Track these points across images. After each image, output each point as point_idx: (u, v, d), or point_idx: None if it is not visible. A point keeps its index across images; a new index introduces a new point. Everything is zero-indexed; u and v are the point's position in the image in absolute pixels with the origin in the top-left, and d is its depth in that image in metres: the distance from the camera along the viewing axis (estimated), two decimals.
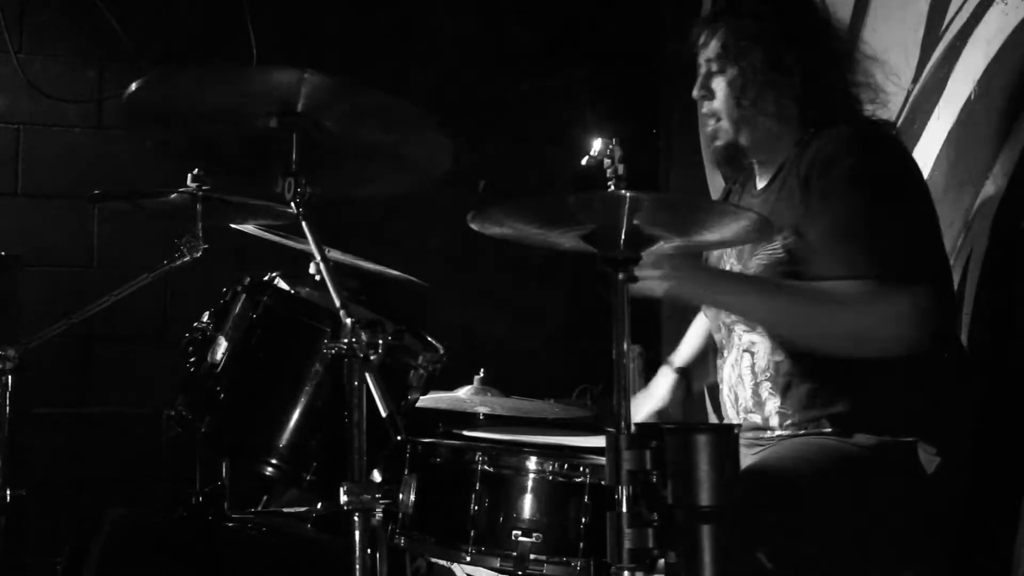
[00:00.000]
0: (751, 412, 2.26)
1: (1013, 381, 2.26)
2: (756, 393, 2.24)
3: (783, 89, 2.19)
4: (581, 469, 2.06)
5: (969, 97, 2.48)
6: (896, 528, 2.09)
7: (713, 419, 3.65)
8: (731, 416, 2.34)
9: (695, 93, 2.32)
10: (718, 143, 2.29)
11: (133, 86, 2.03)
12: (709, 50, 2.27)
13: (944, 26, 2.57)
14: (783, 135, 2.24)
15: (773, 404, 2.21)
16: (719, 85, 2.26)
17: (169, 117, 2.13)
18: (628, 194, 1.63)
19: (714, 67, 2.26)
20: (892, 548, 2.09)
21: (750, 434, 2.27)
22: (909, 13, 2.52)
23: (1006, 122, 2.35)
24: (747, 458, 2.26)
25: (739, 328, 2.28)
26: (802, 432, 2.16)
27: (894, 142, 2.24)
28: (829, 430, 2.13)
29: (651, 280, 1.95)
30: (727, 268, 2.32)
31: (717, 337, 2.39)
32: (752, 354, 2.25)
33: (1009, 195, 2.34)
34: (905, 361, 2.06)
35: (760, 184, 2.34)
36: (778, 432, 2.21)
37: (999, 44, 2.41)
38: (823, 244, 2.08)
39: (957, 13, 2.54)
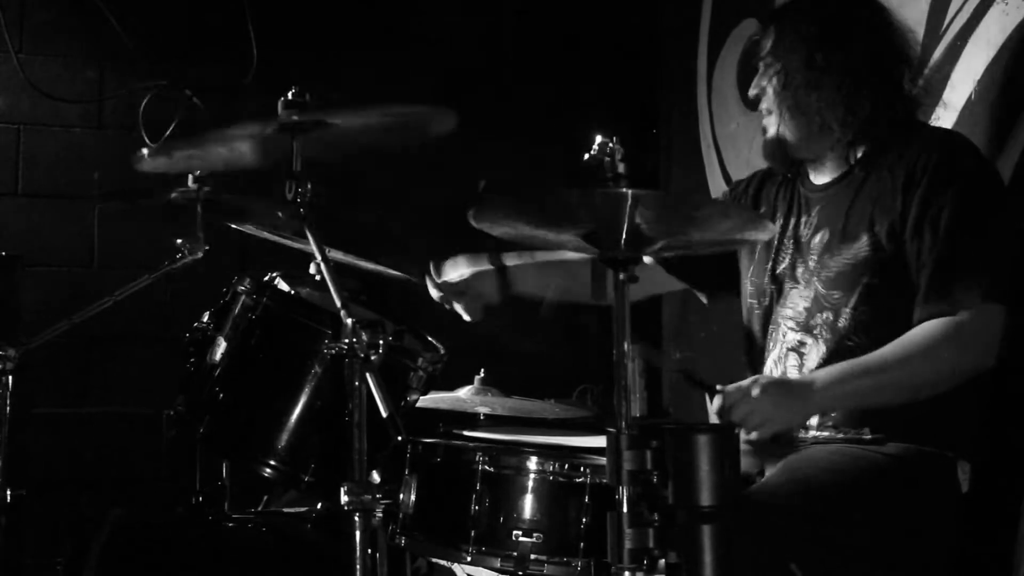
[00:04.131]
0: None
1: (1013, 382, 2.25)
2: None
3: (826, 89, 2.21)
4: (581, 469, 2.06)
5: (969, 97, 2.48)
6: (928, 543, 2.09)
7: (713, 419, 3.65)
8: None
9: (751, 92, 2.37)
10: (766, 136, 2.34)
11: (143, 154, 2.05)
12: (762, 49, 2.33)
13: (944, 26, 2.57)
14: (828, 133, 2.24)
15: None
16: (768, 83, 2.30)
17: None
18: (630, 192, 1.63)
19: (764, 65, 2.32)
20: (923, 562, 2.09)
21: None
22: (909, 13, 2.52)
23: (1006, 122, 2.35)
24: (774, 457, 2.25)
25: (785, 326, 2.28)
26: (839, 436, 2.16)
27: (984, 157, 2.26)
28: (868, 438, 2.12)
29: (748, 422, 2.01)
30: (796, 272, 2.30)
31: (759, 328, 2.38)
32: (801, 355, 2.23)
33: (1010, 195, 2.33)
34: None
35: (821, 180, 2.33)
36: (812, 433, 2.19)
37: (999, 44, 2.41)
38: (924, 248, 2.09)
39: (957, 13, 2.54)
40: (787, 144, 2.29)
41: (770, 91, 2.29)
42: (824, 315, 2.20)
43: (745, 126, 3.58)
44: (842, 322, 2.17)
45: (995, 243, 2.09)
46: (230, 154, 2.17)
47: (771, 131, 2.31)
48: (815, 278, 2.23)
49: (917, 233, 2.10)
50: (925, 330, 2.06)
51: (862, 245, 2.16)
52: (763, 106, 2.33)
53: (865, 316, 2.15)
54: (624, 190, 1.67)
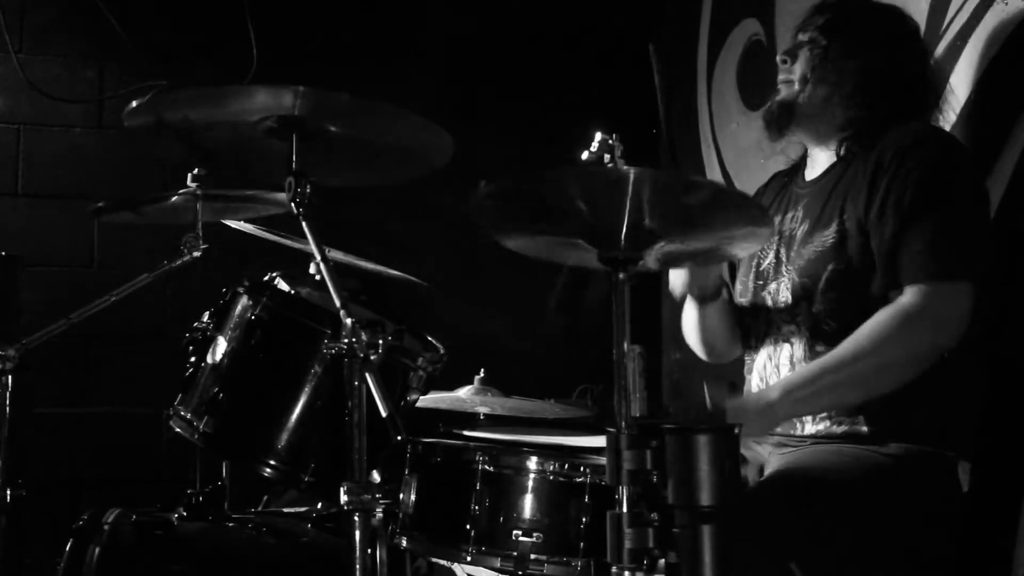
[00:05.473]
0: None
1: (1013, 382, 2.26)
2: None
3: (854, 75, 2.29)
4: (581, 469, 2.06)
5: (969, 97, 2.48)
6: (928, 544, 2.09)
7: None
8: None
9: (779, 56, 2.42)
10: (778, 97, 2.39)
11: (132, 104, 2.03)
12: (810, 23, 2.38)
13: (944, 26, 2.57)
14: (835, 115, 2.32)
15: None
16: (804, 52, 2.36)
17: (167, 131, 2.14)
18: (632, 170, 1.61)
19: (807, 37, 2.37)
20: (924, 563, 2.09)
21: (779, 429, 2.26)
22: (909, 13, 2.52)
23: (1006, 122, 2.35)
24: (774, 456, 2.26)
25: (780, 319, 2.30)
26: (836, 429, 2.17)
27: (962, 146, 2.30)
28: (865, 429, 2.13)
29: None
30: (780, 266, 2.34)
31: (750, 324, 2.40)
32: (791, 344, 2.26)
33: (1009, 196, 2.34)
34: (944, 363, 2.09)
35: (811, 175, 2.40)
36: (809, 428, 2.21)
37: (999, 44, 2.41)
38: (886, 231, 2.13)
39: (957, 13, 2.54)
40: (797, 110, 2.34)
41: (803, 59, 2.35)
42: (803, 303, 2.24)
43: (745, 126, 3.59)
44: (816, 308, 2.21)
45: (954, 224, 2.11)
46: (225, 114, 2.15)
47: (786, 95, 2.36)
48: (792, 267, 2.28)
49: (879, 219, 2.14)
50: (875, 319, 2.08)
51: (831, 233, 2.21)
52: (787, 75, 2.37)
53: (834, 301, 2.18)
54: (623, 167, 1.66)
